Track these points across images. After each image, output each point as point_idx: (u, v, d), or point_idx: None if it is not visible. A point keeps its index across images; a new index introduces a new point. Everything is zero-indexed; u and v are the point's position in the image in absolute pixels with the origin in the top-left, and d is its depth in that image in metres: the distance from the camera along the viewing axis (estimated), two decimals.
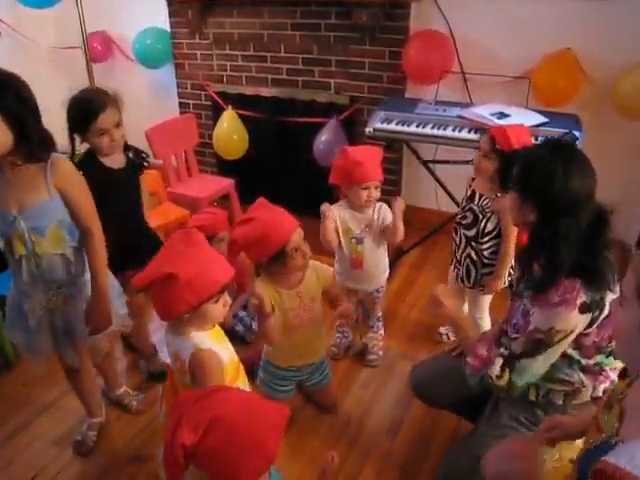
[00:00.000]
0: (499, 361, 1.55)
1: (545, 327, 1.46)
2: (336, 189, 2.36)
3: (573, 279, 1.43)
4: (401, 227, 2.25)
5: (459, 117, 2.93)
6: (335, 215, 2.30)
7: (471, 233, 2.28)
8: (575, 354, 1.54)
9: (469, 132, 2.84)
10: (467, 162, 2.93)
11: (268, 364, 2.13)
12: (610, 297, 1.46)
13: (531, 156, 1.52)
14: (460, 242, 2.35)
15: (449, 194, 3.29)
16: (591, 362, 1.55)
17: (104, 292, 1.76)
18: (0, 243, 1.71)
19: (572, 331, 1.45)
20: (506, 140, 2.07)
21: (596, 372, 1.56)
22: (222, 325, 1.64)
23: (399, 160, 3.64)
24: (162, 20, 3.95)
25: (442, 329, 2.69)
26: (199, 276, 1.41)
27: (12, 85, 1.51)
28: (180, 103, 4.18)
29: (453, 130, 2.88)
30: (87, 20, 3.66)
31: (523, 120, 2.52)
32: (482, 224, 2.24)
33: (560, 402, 1.59)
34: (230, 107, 3.72)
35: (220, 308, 1.50)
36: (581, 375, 1.56)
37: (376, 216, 2.31)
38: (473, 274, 2.33)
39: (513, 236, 2.19)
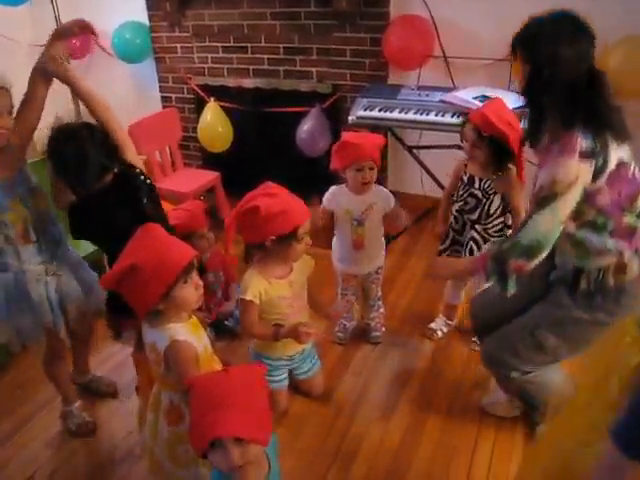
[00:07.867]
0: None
1: (547, 181, 1.52)
2: (336, 177, 2.40)
3: (571, 130, 1.51)
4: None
5: (442, 102, 2.93)
6: (331, 201, 2.36)
7: (474, 216, 2.30)
8: (600, 218, 1.58)
9: (452, 117, 2.84)
10: (451, 147, 2.93)
11: (259, 356, 2.13)
12: (617, 152, 1.53)
13: (534, 24, 1.61)
14: (464, 227, 2.36)
15: (434, 179, 3.29)
16: (621, 223, 1.58)
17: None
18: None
19: (574, 181, 1.50)
20: (489, 124, 2.08)
21: (628, 233, 1.59)
22: (208, 312, 1.62)
23: (384, 146, 3.63)
24: (140, 14, 3.91)
25: (433, 325, 2.63)
26: (159, 262, 1.41)
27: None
28: (162, 97, 4.15)
29: (436, 115, 2.88)
30: (63, 16, 3.62)
31: (505, 102, 2.50)
32: (486, 206, 2.26)
33: (612, 282, 1.62)
34: (213, 99, 3.70)
35: (192, 291, 1.49)
36: (611, 241, 1.59)
37: (375, 199, 2.34)
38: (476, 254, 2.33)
39: (523, 211, 2.20)
